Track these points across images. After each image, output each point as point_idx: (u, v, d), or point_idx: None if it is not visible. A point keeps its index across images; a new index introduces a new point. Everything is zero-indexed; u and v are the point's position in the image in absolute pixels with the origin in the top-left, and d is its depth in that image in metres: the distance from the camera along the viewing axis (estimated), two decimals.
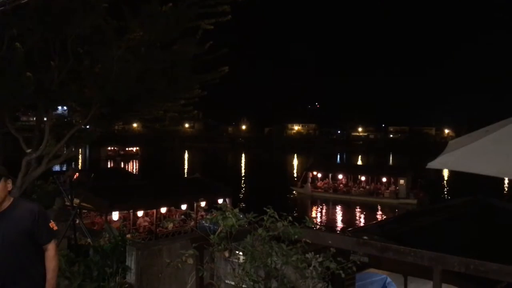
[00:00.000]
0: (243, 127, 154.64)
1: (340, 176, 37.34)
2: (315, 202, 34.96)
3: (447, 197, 37.24)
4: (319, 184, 37.46)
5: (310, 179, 37.08)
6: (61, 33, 7.23)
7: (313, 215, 30.72)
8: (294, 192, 37.74)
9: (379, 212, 31.14)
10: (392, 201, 32.74)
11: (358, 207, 32.93)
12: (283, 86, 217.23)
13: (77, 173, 23.47)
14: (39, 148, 8.15)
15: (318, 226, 25.88)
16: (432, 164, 3.54)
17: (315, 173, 38.05)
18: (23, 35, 7.02)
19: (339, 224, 28.65)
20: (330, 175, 37.84)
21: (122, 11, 7.44)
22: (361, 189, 35.51)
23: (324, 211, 33.18)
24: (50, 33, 7.25)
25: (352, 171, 39.01)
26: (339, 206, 33.49)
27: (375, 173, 36.50)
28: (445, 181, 48.05)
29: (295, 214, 4.00)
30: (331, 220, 30.31)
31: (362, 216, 31.04)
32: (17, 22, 6.91)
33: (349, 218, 30.41)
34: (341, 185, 36.71)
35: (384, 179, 35.20)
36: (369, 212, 31.50)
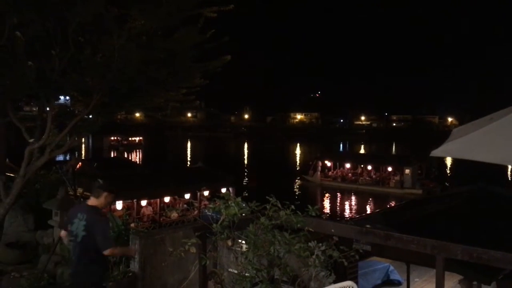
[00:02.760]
0: (246, 116, 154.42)
1: (348, 165, 37.49)
2: (323, 190, 35.26)
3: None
4: (330, 173, 37.69)
5: (320, 168, 37.35)
6: (62, 21, 7.17)
7: (320, 203, 30.89)
8: (298, 180, 38.05)
9: (385, 202, 31.23)
10: (397, 191, 32.78)
11: (365, 196, 33.11)
12: (286, 75, 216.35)
13: (80, 163, 23.51)
14: (41, 137, 8.14)
15: (325, 214, 26.03)
16: (436, 152, 3.51)
17: (325, 162, 38.33)
18: (23, 24, 6.97)
19: (347, 213, 28.86)
20: (344, 164, 37.94)
21: None
22: (367, 178, 35.61)
23: (332, 200, 33.36)
24: (51, 22, 7.20)
25: (360, 160, 39.07)
26: (347, 195, 33.71)
27: (383, 163, 36.48)
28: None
29: (297, 203, 3.99)
30: (337, 208, 30.51)
31: (368, 205, 31.19)
32: (17, 10, 6.86)
33: (355, 207, 30.64)
34: (349, 174, 36.86)
35: (389, 169, 35.23)
36: (375, 201, 31.64)
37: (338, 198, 33.51)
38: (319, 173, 37.11)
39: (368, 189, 34.27)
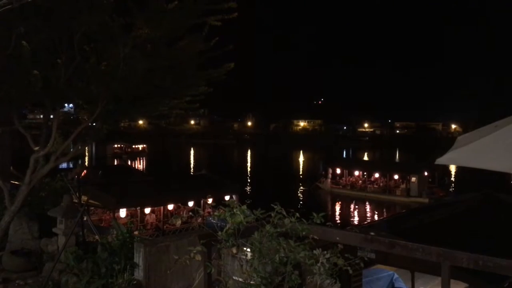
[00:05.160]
0: (249, 123, 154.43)
1: (356, 173, 37.51)
2: (332, 198, 35.39)
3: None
4: (342, 180, 37.71)
5: (330, 175, 37.40)
6: (68, 31, 7.24)
7: (328, 210, 30.89)
8: (304, 187, 38.19)
9: (391, 210, 31.10)
10: (403, 199, 32.68)
11: (373, 204, 33.17)
12: (289, 82, 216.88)
13: (84, 170, 23.60)
14: (46, 145, 8.19)
15: (332, 221, 25.91)
16: (441, 160, 3.51)
17: (336, 169, 38.41)
18: (29, 33, 7.03)
19: (354, 220, 28.84)
20: (353, 171, 37.90)
21: (129, 8, 7.45)
22: (375, 186, 35.58)
23: (340, 207, 33.37)
24: (57, 31, 7.27)
25: (370, 167, 39.02)
26: (355, 203, 33.79)
27: (391, 170, 36.38)
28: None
29: (304, 210, 3.99)
30: (344, 215, 30.50)
31: (376, 213, 31.14)
32: (23, 20, 6.93)
33: (363, 214, 30.68)
34: (360, 182, 36.87)
35: (396, 176, 35.13)
36: (382, 209, 31.62)
37: (346, 206, 33.53)
38: (329, 180, 37.19)
39: (376, 197, 34.31)
